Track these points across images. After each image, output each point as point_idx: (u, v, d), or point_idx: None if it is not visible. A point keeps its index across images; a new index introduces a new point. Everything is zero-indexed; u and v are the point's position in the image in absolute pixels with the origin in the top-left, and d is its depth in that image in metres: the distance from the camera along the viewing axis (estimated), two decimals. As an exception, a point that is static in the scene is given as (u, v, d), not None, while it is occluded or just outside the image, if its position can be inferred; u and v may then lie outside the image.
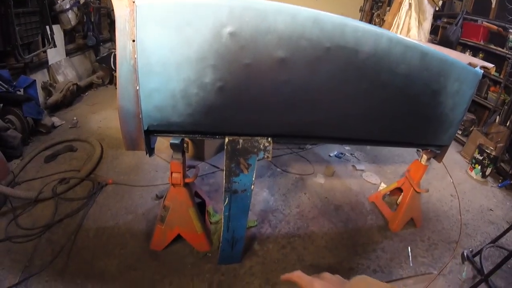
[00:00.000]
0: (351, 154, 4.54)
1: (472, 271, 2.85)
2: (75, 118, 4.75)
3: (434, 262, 2.98)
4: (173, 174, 2.36)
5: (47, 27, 4.88)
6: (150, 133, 2.05)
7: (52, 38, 4.99)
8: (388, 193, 3.64)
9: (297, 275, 0.79)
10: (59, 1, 5.28)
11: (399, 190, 3.50)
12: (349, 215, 3.42)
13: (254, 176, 2.15)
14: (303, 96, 1.97)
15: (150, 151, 2.18)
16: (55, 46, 5.08)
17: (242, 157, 2.08)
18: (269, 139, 2.07)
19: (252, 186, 2.18)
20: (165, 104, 1.87)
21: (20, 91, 4.11)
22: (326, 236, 3.12)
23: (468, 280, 2.80)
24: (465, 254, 2.95)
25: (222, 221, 2.29)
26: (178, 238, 2.71)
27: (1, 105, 3.83)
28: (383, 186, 3.89)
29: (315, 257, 2.88)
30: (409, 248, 3.09)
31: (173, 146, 2.27)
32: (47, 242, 2.73)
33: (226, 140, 2.02)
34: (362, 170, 4.17)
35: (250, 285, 2.58)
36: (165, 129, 2.04)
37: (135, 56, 1.72)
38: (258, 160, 2.12)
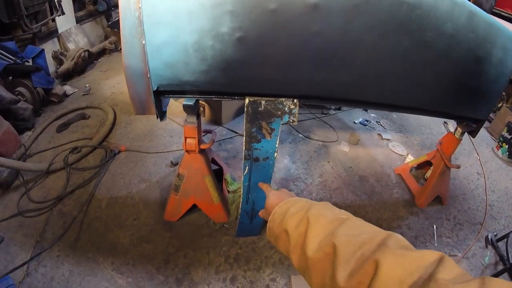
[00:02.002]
0: (377, 121, 4.24)
1: (495, 256, 2.69)
2: (87, 85, 4.57)
3: (459, 244, 2.76)
4: (187, 140, 2.15)
5: None
6: (161, 94, 1.84)
7: (60, 6, 4.76)
8: (416, 166, 3.38)
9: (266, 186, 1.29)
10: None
11: (427, 163, 3.26)
12: (374, 187, 3.19)
13: (277, 142, 1.92)
14: (336, 51, 1.69)
15: (162, 114, 1.98)
16: (63, 13, 4.85)
17: (264, 121, 1.85)
18: (295, 100, 1.82)
19: (276, 154, 1.95)
20: (176, 60, 1.64)
21: (28, 61, 3.95)
22: (350, 209, 2.83)
23: (490, 266, 2.62)
24: (489, 238, 2.78)
25: (241, 192, 2.08)
26: (194, 208, 2.55)
27: (10, 78, 3.74)
28: (410, 158, 3.62)
29: (338, 230, 2.67)
30: (434, 226, 2.87)
31: (186, 108, 2.04)
32: (59, 214, 2.64)
33: (247, 101, 1.79)
34: (388, 140, 3.89)
35: (269, 259, 2.41)
36: (177, 89, 1.84)
37: (139, 5, 1.50)
38: (282, 125, 1.88)
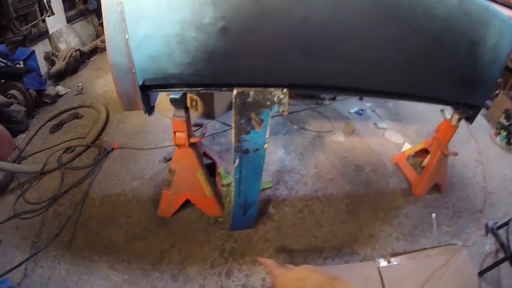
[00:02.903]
0: (372, 111, 4.20)
1: (495, 244, 2.64)
2: (80, 84, 4.55)
3: (458, 232, 2.73)
4: (176, 134, 2.12)
5: None
6: (147, 89, 1.82)
7: (49, 7, 4.72)
8: (413, 154, 3.35)
9: (270, 263, 0.91)
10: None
11: (424, 151, 3.23)
12: (370, 177, 3.16)
13: (267, 133, 1.90)
14: (324, 37, 1.65)
15: (149, 109, 1.96)
16: (53, 14, 4.82)
17: (253, 112, 1.82)
18: (285, 90, 1.78)
19: (266, 145, 1.93)
20: (160, 53, 1.62)
21: (19, 64, 3.93)
22: (346, 199, 2.88)
23: (491, 254, 2.58)
24: (489, 225, 2.73)
25: (233, 185, 2.05)
26: (187, 203, 2.54)
27: (2, 80, 3.70)
28: (406, 146, 3.59)
29: (334, 222, 2.67)
30: (433, 215, 2.83)
31: (173, 102, 2.01)
32: (54, 215, 2.64)
33: (234, 92, 1.76)
34: (384, 129, 3.85)
35: (265, 252, 2.39)
36: (163, 83, 1.82)
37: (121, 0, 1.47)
38: (272, 117, 1.86)
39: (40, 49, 4.79)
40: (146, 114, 1.93)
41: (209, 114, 3.81)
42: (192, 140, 2.17)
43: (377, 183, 3.11)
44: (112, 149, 3.28)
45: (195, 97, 3.73)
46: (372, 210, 2.82)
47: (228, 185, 2.60)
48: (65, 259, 2.31)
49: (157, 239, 2.44)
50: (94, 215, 2.64)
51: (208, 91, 1.89)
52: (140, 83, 1.72)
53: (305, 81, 1.83)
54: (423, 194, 3.02)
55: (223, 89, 1.84)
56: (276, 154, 3.33)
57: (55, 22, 5.03)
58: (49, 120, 3.82)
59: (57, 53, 4.88)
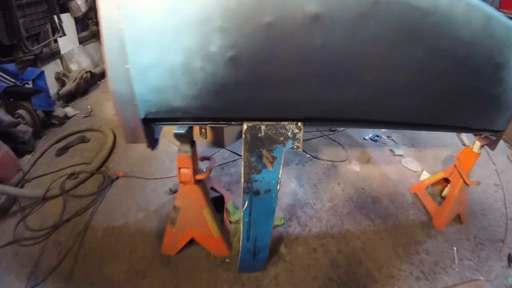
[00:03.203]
0: (388, 137, 3.95)
1: None
2: (89, 107, 4.39)
3: (481, 265, 2.47)
4: (181, 170, 1.90)
5: (55, 16, 4.52)
6: (151, 122, 1.62)
7: (61, 27, 4.64)
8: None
9: None
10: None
11: (444, 179, 2.94)
12: (388, 209, 2.89)
13: (280, 172, 1.66)
14: (342, 66, 1.43)
15: (153, 143, 1.75)
16: (64, 34, 4.73)
17: (265, 149, 1.60)
18: (299, 124, 1.57)
19: (279, 185, 1.70)
20: (164, 84, 1.42)
21: (28, 84, 3.81)
22: (363, 236, 2.61)
23: None
24: (511, 256, 2.53)
25: (241, 226, 1.81)
26: (193, 240, 2.28)
27: (11, 99, 3.62)
28: (425, 174, 3.32)
29: (351, 262, 2.39)
30: (455, 249, 2.57)
31: (178, 137, 1.80)
32: (54, 244, 2.45)
33: (245, 126, 1.55)
34: (401, 155, 3.59)
35: (276, 298, 2.14)
36: (167, 116, 1.60)
37: (122, 25, 1.29)
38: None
39: (52, 69, 4.71)
40: (149, 148, 1.73)
41: (218, 142, 3.59)
42: (198, 177, 1.95)
43: (396, 215, 2.83)
44: (117, 177, 3.08)
45: None
46: (391, 247, 2.54)
47: (237, 222, 2.36)
48: None
49: (160, 278, 2.20)
50: (95, 248, 2.42)
51: (217, 126, 1.69)
52: (143, 116, 1.53)
53: (322, 114, 1.61)
54: (444, 227, 2.76)
55: (233, 123, 1.64)
56: (288, 186, 3.08)
57: (67, 43, 4.95)
58: (56, 143, 3.68)
59: (68, 73, 4.77)
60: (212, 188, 2.41)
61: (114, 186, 3.00)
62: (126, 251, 2.39)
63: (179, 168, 1.90)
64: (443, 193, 3.01)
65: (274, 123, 1.57)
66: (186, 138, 1.82)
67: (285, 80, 1.44)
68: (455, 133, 4.14)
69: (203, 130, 3.60)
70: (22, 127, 3.46)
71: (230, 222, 2.39)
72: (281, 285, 2.18)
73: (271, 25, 1.28)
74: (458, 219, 2.82)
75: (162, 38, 1.33)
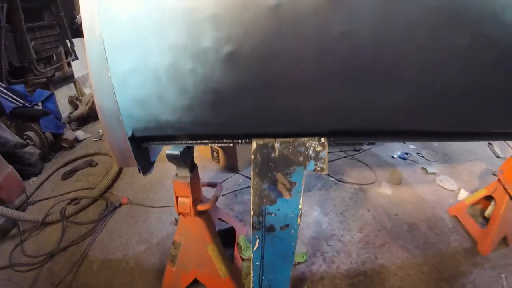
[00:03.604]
0: (418, 153, 3.44)
1: None
2: (100, 131, 4.12)
3: None
4: (179, 200, 1.51)
5: (67, 40, 4.41)
6: (141, 141, 1.30)
7: (73, 50, 4.49)
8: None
9: None
10: (79, 15, 4.73)
11: (484, 198, 2.49)
12: (427, 237, 2.39)
13: (301, 201, 1.25)
14: (374, 59, 1.02)
15: (146, 167, 1.39)
16: (76, 58, 4.58)
17: (280, 172, 1.20)
18: (323, 139, 1.17)
19: (299, 219, 1.27)
20: (147, 94, 1.10)
21: (38, 105, 3.65)
22: (401, 271, 2.11)
23: None
24: None
25: (251, 271, 1.38)
26: (197, 282, 1.85)
27: (20, 121, 3.51)
28: (463, 193, 2.81)
29: (388, 306, 1.91)
30: (503, 277, 2.10)
31: (171, 159, 1.41)
32: (48, 273, 2.20)
33: (254, 145, 1.18)
34: (434, 174, 3.09)
35: None
36: (158, 134, 1.25)
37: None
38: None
39: (65, 93, 4.59)
40: (141, 173, 1.38)
41: (232, 167, 3.19)
42: (200, 207, 1.54)
43: (436, 244, 2.33)
44: (120, 205, 2.73)
45: (216, 147, 3.14)
46: (434, 283, 2.05)
47: (251, 259, 1.93)
48: None
49: (157, 327, 1.80)
50: (89, 282, 2.10)
51: (220, 145, 1.31)
52: (130, 134, 1.19)
53: (350, 125, 1.20)
54: (489, 252, 2.27)
55: (239, 141, 1.26)
56: (310, 215, 2.61)
57: (81, 66, 4.78)
58: (63, 166, 3.47)
59: (81, 97, 4.59)
60: (221, 219, 2.00)
61: (116, 214, 2.66)
62: (122, 289, 2.01)
63: (176, 197, 1.51)
64: (486, 213, 2.52)
65: (291, 139, 1.18)
66: (183, 161, 1.43)
67: (299, 82, 1.05)
68: (486, 145, 3.63)
69: (215, 154, 3.22)
70: (29, 149, 3.31)
71: (242, 260, 1.94)
72: None
73: (278, 9, 0.92)
74: (505, 241, 2.34)
75: (142, 35, 1.01)
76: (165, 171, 3.10)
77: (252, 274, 1.35)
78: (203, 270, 1.73)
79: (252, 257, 1.31)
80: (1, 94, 3.25)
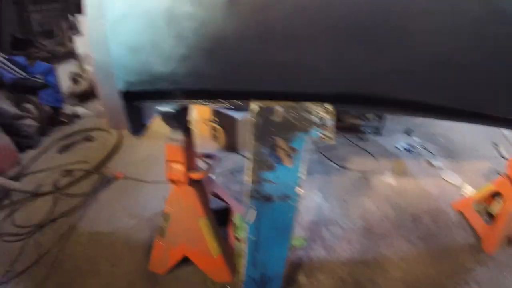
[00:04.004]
0: (422, 146, 3.29)
1: None
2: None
3: None
4: (171, 165, 1.37)
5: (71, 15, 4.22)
6: (134, 98, 1.17)
7: (77, 26, 4.28)
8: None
9: None
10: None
11: (490, 195, 2.33)
12: (430, 230, 2.24)
13: (302, 171, 1.12)
14: (378, 15, 0.90)
15: (137, 128, 1.25)
16: (80, 34, 4.37)
17: (281, 137, 1.07)
18: (328, 106, 1.04)
19: (299, 189, 1.13)
20: (141, 40, 0.99)
21: (38, 78, 3.49)
22: (403, 263, 1.97)
23: None
24: None
25: (246, 248, 1.23)
26: (188, 259, 1.72)
27: (19, 93, 3.31)
28: (468, 188, 2.66)
29: (389, 299, 1.76)
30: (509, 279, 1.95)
31: (165, 117, 1.26)
32: (35, 244, 2.07)
33: (253, 107, 1.05)
34: (438, 167, 2.94)
35: None
36: (151, 89, 1.13)
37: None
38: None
39: (67, 69, 4.36)
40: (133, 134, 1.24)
41: (232, 146, 3.03)
42: (193, 175, 1.40)
43: (440, 238, 2.18)
44: (114, 178, 2.59)
45: (217, 126, 3.00)
46: (437, 278, 1.90)
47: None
48: None
49: (142, 303, 1.66)
50: (75, 255, 1.97)
51: (215, 104, 1.16)
52: (121, 87, 1.07)
53: (355, 87, 1.07)
54: (494, 250, 2.13)
55: (236, 100, 1.12)
56: (311, 199, 2.46)
57: (84, 43, 4.61)
58: (60, 140, 3.31)
59: (83, 74, 4.43)
60: (215, 195, 1.84)
61: (109, 187, 2.52)
62: (108, 264, 1.89)
63: (168, 162, 1.37)
64: (490, 210, 2.36)
65: (294, 104, 1.05)
66: (177, 121, 1.28)
67: (301, 34, 0.93)
68: (492, 145, 3.46)
69: (214, 133, 3.07)
70: (27, 121, 3.15)
71: (237, 240, 1.80)
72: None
73: None
74: (508, 241, 2.17)
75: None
76: (161, 147, 2.94)
77: (246, 251, 1.21)
78: (193, 246, 1.58)
79: (247, 230, 1.17)
80: (1, 64, 3.12)
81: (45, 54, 3.94)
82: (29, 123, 3.16)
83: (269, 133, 1.07)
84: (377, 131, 3.41)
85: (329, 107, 1.04)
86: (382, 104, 1.18)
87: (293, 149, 1.09)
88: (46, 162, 2.91)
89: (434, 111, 1.23)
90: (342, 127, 3.34)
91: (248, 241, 1.18)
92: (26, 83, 3.32)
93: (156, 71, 1.03)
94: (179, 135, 1.33)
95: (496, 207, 2.32)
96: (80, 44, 1.28)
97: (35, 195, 2.47)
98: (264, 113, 1.04)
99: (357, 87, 1.07)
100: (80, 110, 3.91)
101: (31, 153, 3.04)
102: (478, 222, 2.29)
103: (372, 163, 2.96)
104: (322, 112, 1.05)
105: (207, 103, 1.16)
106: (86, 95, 4.29)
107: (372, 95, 1.10)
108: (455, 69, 1.05)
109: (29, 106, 3.30)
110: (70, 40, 4.36)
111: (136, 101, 1.21)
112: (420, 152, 3.17)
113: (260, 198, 1.11)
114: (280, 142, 1.08)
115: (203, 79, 1.04)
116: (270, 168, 1.09)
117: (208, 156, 1.66)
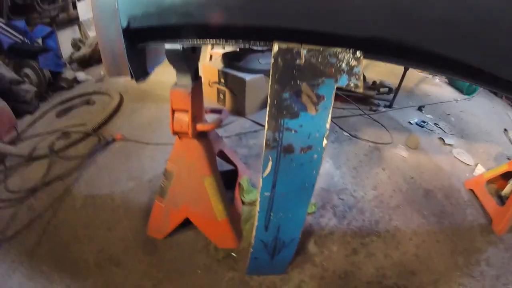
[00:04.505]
0: (435, 124, 3.09)
1: None
2: (102, 72, 3.75)
3: None
4: (176, 115, 1.18)
5: None
6: (137, 38, 1.01)
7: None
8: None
9: None
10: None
11: (503, 176, 2.21)
12: (443, 206, 2.08)
13: (329, 120, 0.93)
14: None
15: (138, 72, 1.06)
16: (82, -1, 4.12)
17: (306, 82, 0.89)
18: (358, 53, 0.89)
19: (325, 142, 0.95)
20: None
21: (38, 42, 3.30)
22: (416, 237, 1.81)
23: None
24: None
25: (258, 207, 1.06)
26: (189, 223, 1.55)
27: (19, 58, 3.13)
28: (480, 169, 2.50)
29: (401, 272, 1.60)
30: None
31: (171, 56, 1.05)
32: (28, 209, 1.88)
33: (275, 48, 0.87)
34: (451, 145, 2.76)
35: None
36: (157, 24, 0.91)
37: None
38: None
39: (69, 35, 4.15)
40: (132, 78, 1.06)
41: (239, 110, 2.82)
42: (200, 127, 1.21)
43: (452, 215, 2.02)
44: (113, 140, 2.39)
45: (223, 88, 2.78)
46: (449, 254, 1.75)
47: (253, 203, 1.62)
48: (22, 269, 1.54)
49: (137, 269, 1.49)
50: (69, 219, 1.79)
51: (230, 44, 0.97)
52: (124, 24, 0.89)
53: (398, 35, 0.89)
54: (504, 232, 1.98)
55: (256, 42, 0.94)
56: (322, 166, 2.24)
57: (87, 10, 4.34)
58: (59, 104, 3.09)
59: (85, 40, 4.20)
60: (223, 155, 1.65)
61: (108, 149, 2.32)
62: (103, 228, 1.71)
63: (173, 112, 1.18)
64: (503, 192, 2.22)
65: (320, 48, 0.87)
66: (186, 62, 1.08)
67: None
68: (503, 130, 3.30)
69: (221, 96, 2.86)
70: (25, 86, 2.95)
71: (243, 203, 1.62)
72: (307, 297, 1.41)
73: None
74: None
75: None
76: (166, 110, 2.75)
77: (258, 209, 1.03)
78: (197, 207, 1.40)
79: (260, 186, 0.99)
80: (0, 29, 2.92)
81: (46, 20, 3.67)
82: (28, 88, 2.95)
83: (292, 77, 0.88)
84: (389, 105, 3.23)
85: (359, 54, 0.87)
86: (413, 56, 1.00)
87: (320, 97, 0.91)
88: (44, 127, 2.72)
89: (467, 72, 1.04)
90: (354, 98, 3.16)
91: (261, 198, 1.00)
92: (25, 47, 3.13)
93: (165, 1, 0.84)
94: (186, 80, 1.14)
95: (509, 189, 2.19)
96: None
97: (30, 159, 2.26)
98: (286, 55, 0.86)
99: (393, 34, 0.89)
100: (80, 75, 3.70)
101: (29, 118, 2.85)
102: (490, 203, 2.13)
103: (385, 134, 2.76)
104: (352, 59, 0.88)
105: (222, 43, 0.97)
106: (88, 61, 4.07)
107: (409, 45, 0.91)
108: (499, 30, 0.87)
109: (27, 71, 3.10)
110: (74, 6, 4.12)
111: (140, 42, 1.02)
112: (432, 128, 2.99)
113: (279, 148, 0.93)
114: (305, 87, 0.90)
115: (220, 11, 0.85)
116: (293, 115, 0.91)
117: (216, 111, 1.46)
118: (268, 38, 0.91)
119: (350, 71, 0.90)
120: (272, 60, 0.88)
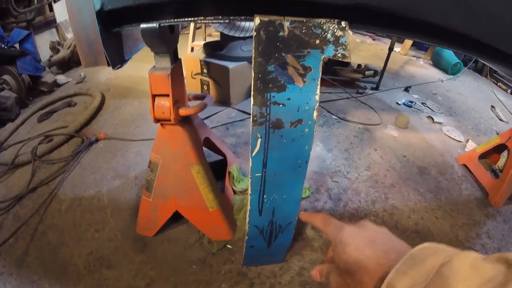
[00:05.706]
0: (423, 103, 3.06)
1: None
2: (82, 74, 3.60)
3: None
4: (156, 100, 1.09)
5: None
6: (113, 22, 0.94)
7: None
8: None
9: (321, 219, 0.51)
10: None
11: (495, 150, 2.23)
12: (438, 182, 2.04)
13: (318, 92, 0.85)
14: None
15: (116, 59, 0.98)
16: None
17: (291, 54, 0.81)
18: (343, 23, 0.80)
19: (315, 114, 0.88)
20: None
21: (15, 47, 3.15)
22: (414, 214, 1.76)
23: None
24: None
25: (249, 192, 0.98)
26: (179, 216, 1.46)
27: None
28: (471, 145, 2.48)
29: (402, 250, 1.56)
30: None
31: (147, 36, 0.95)
32: (14, 218, 1.78)
33: (257, 21, 0.78)
34: (440, 123, 2.73)
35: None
36: (132, 4, 0.83)
37: None
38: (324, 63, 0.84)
39: (46, 38, 3.97)
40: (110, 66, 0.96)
41: (224, 100, 2.72)
42: (183, 111, 1.12)
43: (448, 190, 1.99)
44: (97, 140, 2.27)
45: (206, 79, 2.69)
46: (449, 229, 1.71)
47: (245, 191, 1.54)
48: (11, 280, 1.44)
49: (129, 269, 1.39)
50: (56, 224, 1.69)
51: (209, 21, 0.89)
52: (98, 7, 0.76)
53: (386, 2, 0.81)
54: (501, 205, 1.99)
55: (236, 17, 0.86)
56: (312, 149, 2.17)
57: (64, 11, 4.18)
58: (41, 109, 2.94)
59: (63, 42, 4.03)
60: (210, 144, 1.55)
61: (92, 149, 2.20)
62: (91, 230, 1.60)
63: (153, 97, 1.09)
64: (497, 165, 2.25)
65: (304, 19, 0.79)
66: (163, 42, 0.99)
67: None
68: (490, 107, 3.30)
69: (205, 87, 2.76)
70: (5, 93, 2.82)
71: (234, 192, 1.55)
72: (309, 285, 1.34)
73: None
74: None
75: None
76: (148, 105, 2.65)
77: (249, 192, 0.96)
78: (186, 199, 1.31)
79: (250, 166, 0.91)
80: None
81: (23, 24, 3.51)
82: (8, 95, 2.82)
83: (276, 49, 0.80)
84: (375, 87, 3.18)
85: (345, 25, 0.80)
86: (401, 25, 0.92)
87: (307, 68, 0.83)
88: (26, 133, 2.59)
89: (458, 41, 0.97)
90: (340, 81, 3.10)
91: (252, 179, 0.93)
92: (2, 53, 2.95)
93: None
94: (165, 63, 1.05)
95: (502, 162, 2.18)
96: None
97: (14, 166, 2.15)
98: (268, 27, 0.78)
99: (378, 0, 0.81)
100: (60, 78, 3.54)
101: (10, 125, 2.71)
102: (485, 177, 2.12)
103: (373, 116, 2.71)
104: (337, 30, 0.81)
105: (201, 20, 0.89)
106: (67, 63, 3.90)
107: (396, 12, 0.84)
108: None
109: (6, 77, 2.94)
110: (50, 8, 3.96)
111: (115, 27, 0.93)
112: (420, 108, 2.95)
113: (267, 124, 0.85)
114: (291, 59, 0.83)
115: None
116: (280, 88, 0.83)
117: (200, 97, 1.37)
118: (248, 12, 0.84)
119: (336, 41, 0.83)
120: (254, 33, 0.80)
